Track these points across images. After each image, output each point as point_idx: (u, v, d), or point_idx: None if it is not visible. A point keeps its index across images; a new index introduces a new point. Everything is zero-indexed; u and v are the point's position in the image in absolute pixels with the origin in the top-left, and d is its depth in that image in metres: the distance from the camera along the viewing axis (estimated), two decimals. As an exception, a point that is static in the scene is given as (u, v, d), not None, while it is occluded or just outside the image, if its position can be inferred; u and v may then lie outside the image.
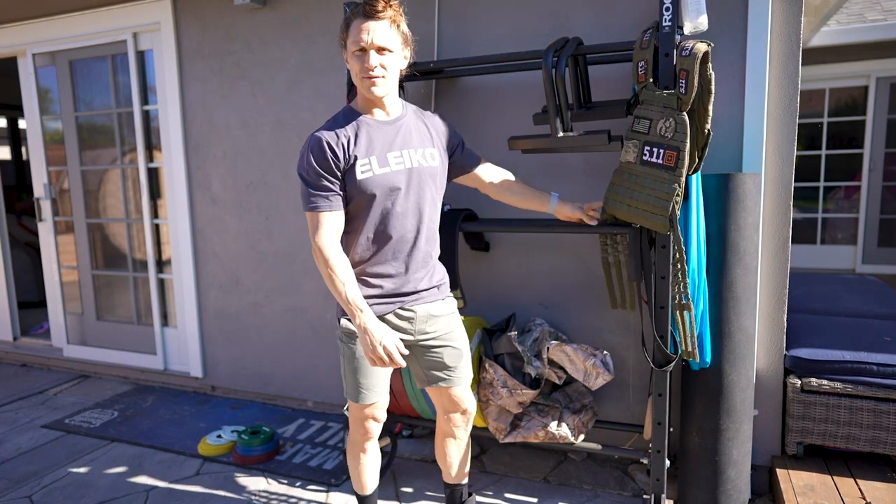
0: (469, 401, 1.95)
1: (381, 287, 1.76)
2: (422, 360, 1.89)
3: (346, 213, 1.74)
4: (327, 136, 1.66)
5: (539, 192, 2.06)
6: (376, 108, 1.74)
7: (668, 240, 1.96)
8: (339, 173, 1.67)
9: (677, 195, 1.86)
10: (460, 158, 1.96)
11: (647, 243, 2.04)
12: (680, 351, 2.07)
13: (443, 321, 1.86)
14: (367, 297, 1.74)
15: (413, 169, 1.74)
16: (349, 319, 1.76)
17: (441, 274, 1.89)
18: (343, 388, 1.87)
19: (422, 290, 1.81)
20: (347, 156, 1.66)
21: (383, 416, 1.89)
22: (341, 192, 1.69)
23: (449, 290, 1.92)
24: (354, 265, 1.76)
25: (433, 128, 1.85)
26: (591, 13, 2.40)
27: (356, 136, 1.68)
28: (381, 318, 1.77)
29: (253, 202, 3.24)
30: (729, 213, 2.07)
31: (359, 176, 1.67)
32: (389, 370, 1.84)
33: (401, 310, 1.79)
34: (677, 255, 1.93)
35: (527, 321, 2.65)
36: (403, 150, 1.74)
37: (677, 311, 1.98)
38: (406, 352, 1.69)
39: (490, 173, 2.04)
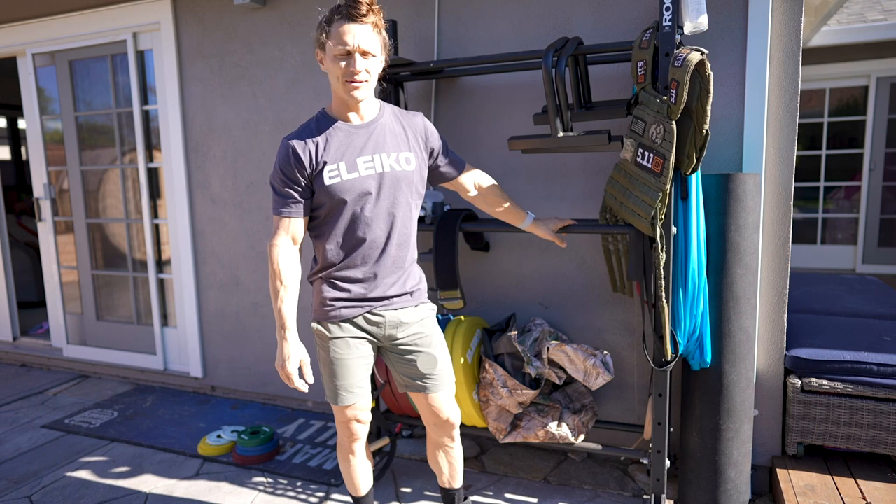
0: (450, 410, 1.92)
1: (348, 291, 1.75)
2: (397, 365, 1.88)
3: (316, 218, 1.74)
4: (295, 142, 1.66)
5: (517, 208, 2.05)
6: (351, 111, 1.71)
7: (669, 240, 1.96)
8: (303, 180, 1.67)
9: (660, 202, 1.86)
10: (443, 164, 1.90)
11: (649, 243, 2.04)
12: (681, 349, 2.07)
13: (414, 328, 1.83)
14: (335, 300, 1.75)
15: (385, 174, 1.71)
16: (319, 323, 1.78)
17: (416, 280, 1.86)
18: (324, 391, 1.88)
19: (392, 297, 1.79)
20: (315, 161, 1.66)
21: (367, 418, 1.89)
22: (303, 200, 1.70)
23: (425, 296, 1.89)
24: (324, 269, 1.76)
25: (411, 130, 1.80)
26: (591, 13, 2.40)
27: (326, 141, 1.67)
28: (350, 321, 1.77)
29: (253, 202, 3.24)
30: (729, 213, 2.07)
31: (327, 181, 1.66)
32: (367, 371, 1.84)
33: (369, 314, 1.78)
34: (657, 260, 1.93)
35: (527, 321, 2.65)
36: (375, 155, 1.70)
37: (659, 313, 1.99)
38: (310, 380, 1.74)
39: (473, 182, 1.99)
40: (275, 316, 1.72)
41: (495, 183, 2.04)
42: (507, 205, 2.03)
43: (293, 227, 1.71)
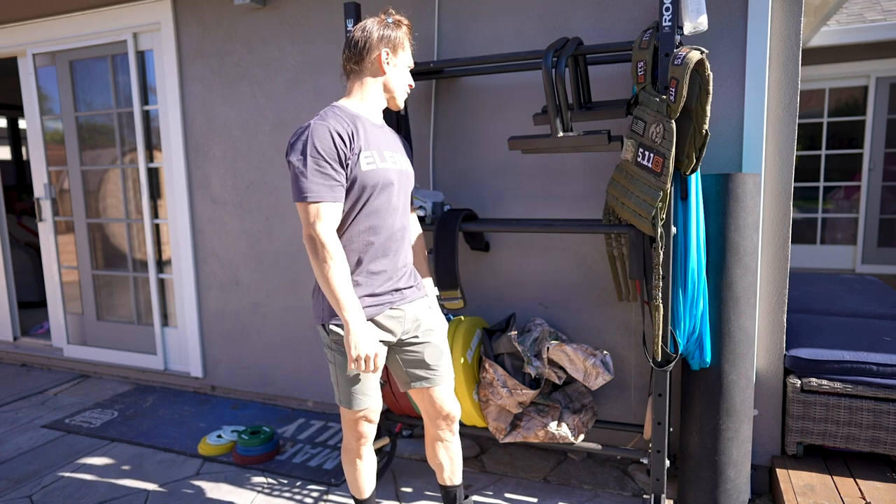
0: (451, 404, 1.94)
1: (372, 285, 1.76)
2: (402, 358, 1.89)
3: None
4: (334, 124, 1.65)
5: (423, 274, 2.03)
6: (374, 113, 1.81)
7: (669, 240, 1.96)
8: (345, 163, 1.65)
9: (661, 201, 1.86)
10: None
11: (649, 243, 2.04)
12: (681, 349, 2.07)
13: (425, 319, 1.89)
14: (359, 297, 1.73)
15: (401, 171, 1.81)
16: (339, 326, 1.74)
17: (416, 273, 1.93)
18: (335, 395, 1.86)
19: (404, 289, 1.83)
20: (353, 146, 1.67)
21: (377, 418, 1.89)
22: (345, 184, 1.67)
23: (424, 287, 1.94)
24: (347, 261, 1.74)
25: (403, 143, 1.93)
26: (591, 13, 2.40)
27: (357, 128, 1.71)
28: (373, 319, 1.76)
29: (253, 202, 3.24)
30: (729, 213, 2.07)
31: (364, 167, 1.68)
32: (380, 373, 1.83)
33: (391, 309, 1.80)
34: (657, 259, 1.94)
35: (527, 321, 2.65)
36: (394, 153, 1.80)
37: (654, 311, 1.99)
38: (382, 364, 1.69)
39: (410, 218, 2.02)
40: (337, 302, 1.62)
41: (420, 234, 2.04)
42: (417, 264, 2.03)
43: (336, 213, 1.65)
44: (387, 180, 1.73)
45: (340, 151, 1.64)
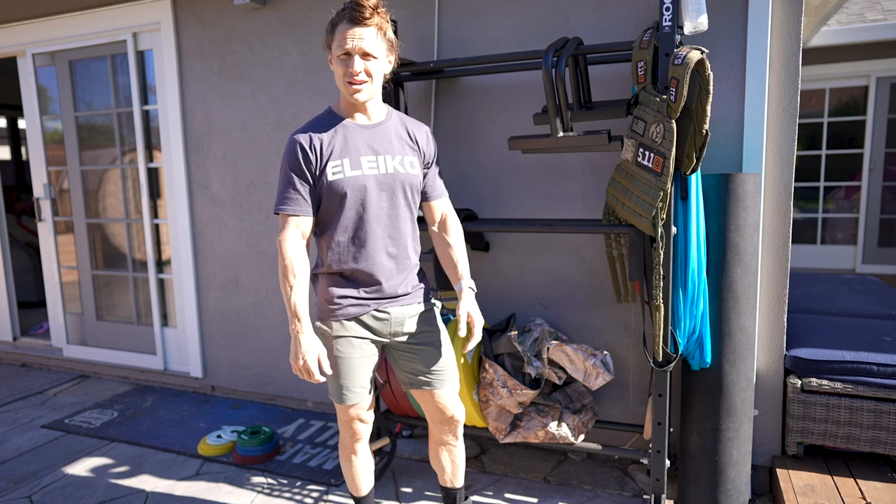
0: (455, 407, 1.92)
1: (354, 289, 1.77)
2: (400, 362, 1.88)
3: (319, 214, 1.75)
4: (301, 138, 1.69)
5: (460, 271, 1.87)
6: (358, 112, 1.75)
7: (669, 240, 1.96)
8: (310, 176, 1.69)
9: (661, 201, 1.86)
10: (426, 181, 1.87)
11: (649, 243, 2.04)
12: (681, 349, 2.07)
13: (418, 324, 1.85)
14: (341, 298, 1.76)
15: (387, 175, 1.74)
16: (322, 321, 1.79)
17: (417, 280, 1.87)
18: (328, 390, 1.87)
19: (398, 296, 1.81)
20: (320, 157, 1.68)
21: (369, 417, 1.89)
22: (310, 197, 1.71)
23: (428, 295, 1.90)
24: (328, 267, 1.77)
25: (416, 136, 1.82)
26: (591, 13, 2.40)
27: (332, 137, 1.70)
28: (355, 319, 1.77)
29: (253, 202, 3.24)
30: (729, 213, 2.07)
31: (330, 177, 1.68)
32: (370, 370, 1.84)
33: (376, 311, 1.79)
34: (657, 259, 1.94)
35: (527, 321, 2.65)
36: (379, 156, 1.74)
37: (654, 311, 1.99)
38: (329, 371, 1.70)
39: (442, 212, 1.92)
40: (287, 310, 1.70)
41: (460, 231, 1.93)
42: (454, 260, 1.89)
43: (302, 225, 1.72)
44: (359, 189, 1.70)
45: (304, 163, 1.68)
